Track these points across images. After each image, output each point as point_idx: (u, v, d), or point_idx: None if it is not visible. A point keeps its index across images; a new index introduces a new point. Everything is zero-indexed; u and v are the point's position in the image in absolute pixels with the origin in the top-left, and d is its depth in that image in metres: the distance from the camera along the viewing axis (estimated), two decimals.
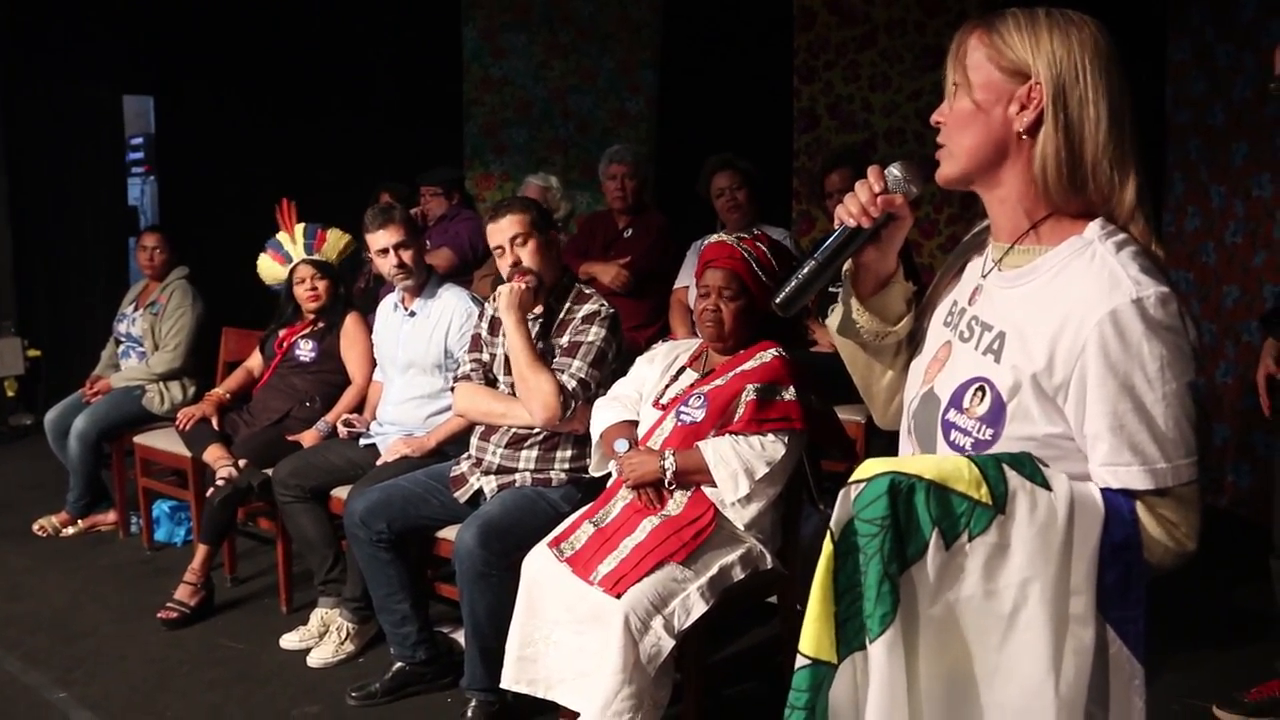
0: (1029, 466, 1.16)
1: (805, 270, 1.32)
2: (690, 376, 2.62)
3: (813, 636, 1.15)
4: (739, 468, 2.37)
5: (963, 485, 1.12)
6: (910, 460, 1.17)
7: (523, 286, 2.85)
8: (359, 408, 3.70)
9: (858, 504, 1.13)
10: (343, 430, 3.55)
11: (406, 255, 3.36)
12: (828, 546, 1.15)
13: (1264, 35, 4.14)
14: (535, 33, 6.42)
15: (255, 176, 6.02)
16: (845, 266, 1.37)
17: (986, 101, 1.23)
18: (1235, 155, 4.36)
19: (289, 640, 3.31)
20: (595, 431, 2.69)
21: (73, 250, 6.20)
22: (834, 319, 1.45)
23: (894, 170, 1.31)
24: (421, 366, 3.40)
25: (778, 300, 1.34)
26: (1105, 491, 1.17)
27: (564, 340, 2.88)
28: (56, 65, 5.94)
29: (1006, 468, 1.14)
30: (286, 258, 3.82)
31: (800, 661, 1.16)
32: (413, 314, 3.43)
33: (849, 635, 1.14)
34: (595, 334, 2.85)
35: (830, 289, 3.83)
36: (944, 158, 1.28)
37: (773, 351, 2.51)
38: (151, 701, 3.00)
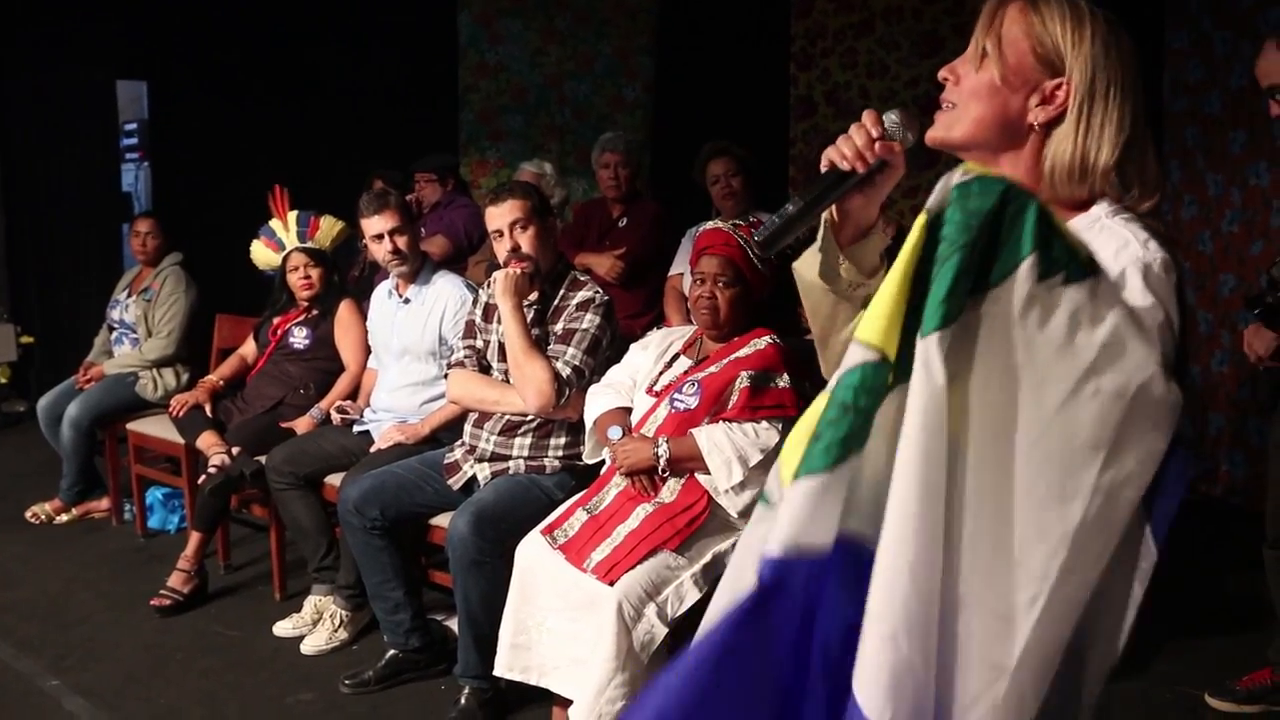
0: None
1: (790, 209, 1.27)
2: (684, 363, 2.61)
3: (876, 324, 0.97)
4: (732, 455, 2.36)
5: (1070, 238, 0.99)
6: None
7: (518, 272, 2.84)
8: (353, 395, 3.69)
9: (962, 192, 0.96)
10: (336, 417, 3.53)
11: (401, 241, 3.35)
12: (919, 227, 0.98)
13: (1262, 23, 4.12)
14: (531, 19, 6.38)
15: (249, 162, 5.98)
16: (826, 212, 1.32)
17: (1012, 83, 1.21)
18: (1233, 144, 4.35)
19: (282, 627, 3.31)
20: (589, 419, 2.68)
21: (66, 236, 6.17)
22: (805, 262, 1.36)
23: (891, 116, 1.27)
24: (416, 353, 3.38)
25: (759, 238, 1.30)
26: None
27: (558, 327, 2.87)
28: (49, 50, 5.90)
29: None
30: (280, 245, 3.80)
31: (853, 356, 0.97)
32: (407, 301, 3.42)
33: (913, 326, 0.96)
34: (590, 321, 2.84)
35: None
36: (947, 119, 1.25)
37: (767, 339, 2.50)
38: (145, 689, 3.00)
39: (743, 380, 2.40)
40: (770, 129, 5.72)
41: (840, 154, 1.25)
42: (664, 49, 6.40)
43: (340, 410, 3.55)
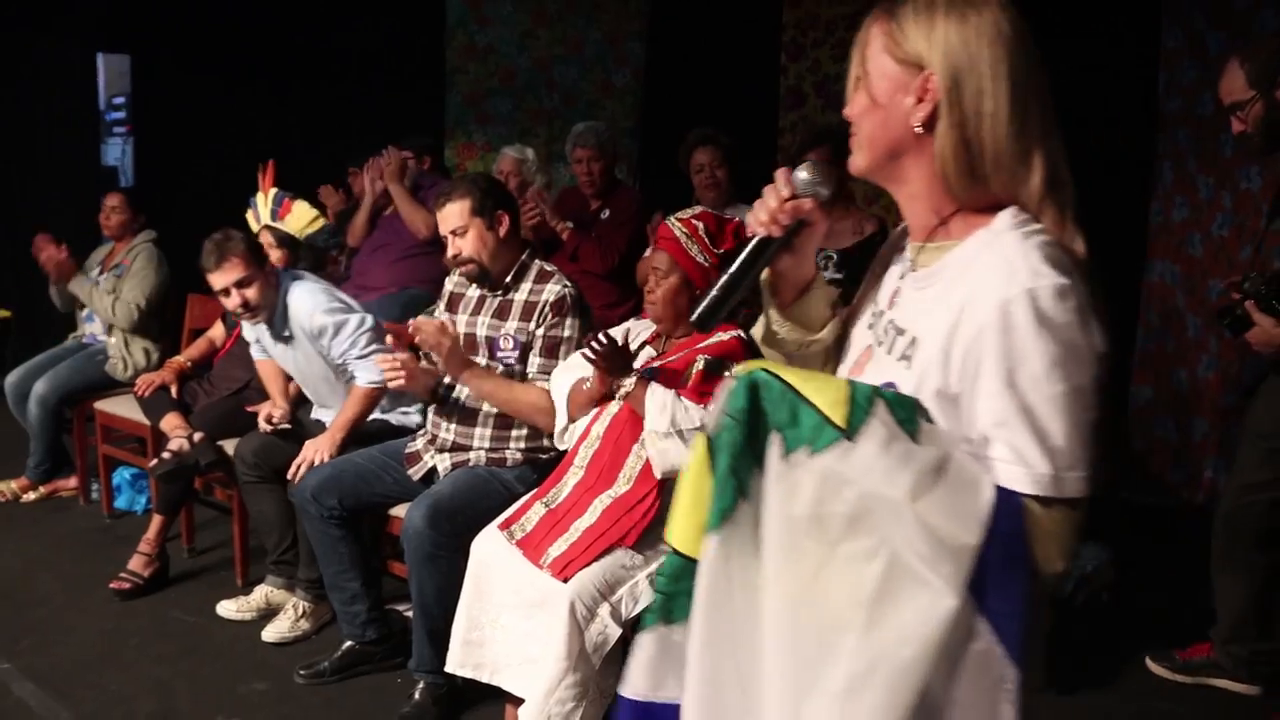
0: (905, 413, 1.08)
1: (719, 284, 1.26)
2: (649, 353, 2.55)
3: (679, 530, 1.14)
4: (672, 406, 2.25)
5: (822, 401, 1.07)
6: (790, 369, 1.13)
7: (448, 328, 2.70)
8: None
9: (727, 394, 1.11)
10: (264, 426, 3.29)
11: (250, 294, 3.13)
12: (700, 440, 1.12)
13: (1256, 24, 4.05)
14: (521, 0, 6.29)
15: (232, 139, 5.90)
16: (763, 276, 1.31)
17: (883, 95, 1.17)
18: (1224, 146, 4.28)
19: (225, 608, 3.26)
20: (559, 399, 2.59)
21: (44, 211, 6.05)
22: (757, 330, 1.38)
23: (800, 174, 1.25)
24: (325, 379, 3.28)
25: (693, 317, 1.29)
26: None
27: (537, 329, 2.75)
28: (29, 22, 5.80)
29: (881, 402, 1.08)
30: (258, 219, 3.73)
31: (673, 552, 1.16)
32: (288, 336, 3.24)
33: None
34: (570, 326, 2.74)
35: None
36: (854, 148, 1.23)
37: (734, 333, 2.43)
38: (97, 675, 2.94)
39: (699, 363, 2.34)
40: (760, 119, 5.66)
41: (756, 220, 1.25)
42: (655, 35, 6.33)
43: (267, 419, 3.29)
